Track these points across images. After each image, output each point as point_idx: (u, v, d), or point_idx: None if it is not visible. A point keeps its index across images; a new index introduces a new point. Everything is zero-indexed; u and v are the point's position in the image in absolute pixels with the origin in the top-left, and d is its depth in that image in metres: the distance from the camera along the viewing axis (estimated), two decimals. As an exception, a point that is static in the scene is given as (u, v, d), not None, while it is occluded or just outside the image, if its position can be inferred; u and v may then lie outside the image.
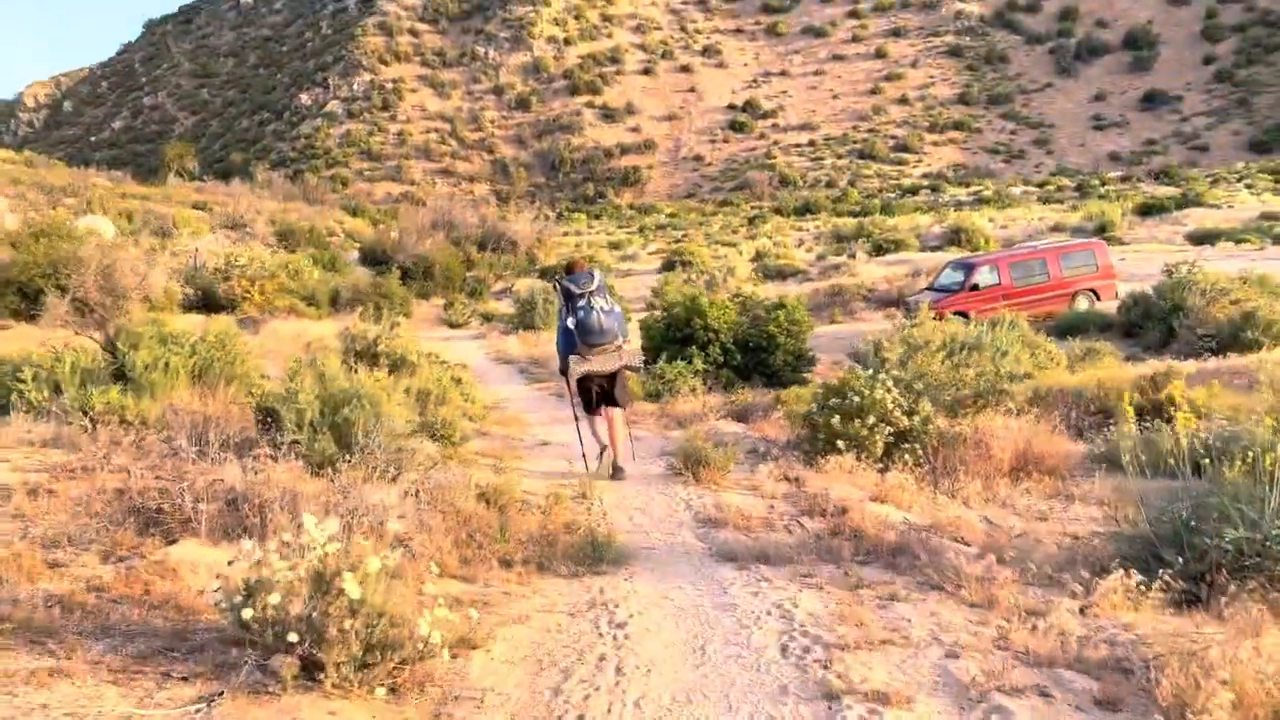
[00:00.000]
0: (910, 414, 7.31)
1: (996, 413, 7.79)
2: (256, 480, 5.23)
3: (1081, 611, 4.27)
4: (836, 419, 7.36)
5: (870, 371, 7.63)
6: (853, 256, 29.77)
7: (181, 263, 19.68)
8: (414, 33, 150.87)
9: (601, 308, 7.56)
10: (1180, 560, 4.32)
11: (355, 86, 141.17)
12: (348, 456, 5.79)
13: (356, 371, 7.19)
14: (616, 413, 7.89)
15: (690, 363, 12.40)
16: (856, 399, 7.34)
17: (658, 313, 14.54)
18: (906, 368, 8.11)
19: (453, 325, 23.94)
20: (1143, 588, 4.24)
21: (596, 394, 7.86)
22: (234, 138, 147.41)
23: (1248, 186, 56.71)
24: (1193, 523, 4.35)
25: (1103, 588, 4.33)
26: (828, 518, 6.12)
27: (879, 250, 31.32)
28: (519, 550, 5.29)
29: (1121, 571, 4.33)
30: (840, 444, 7.22)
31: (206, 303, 18.20)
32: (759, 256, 31.41)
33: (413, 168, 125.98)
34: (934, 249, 32.99)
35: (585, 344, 7.58)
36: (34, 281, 13.93)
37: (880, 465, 7.16)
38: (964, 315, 17.47)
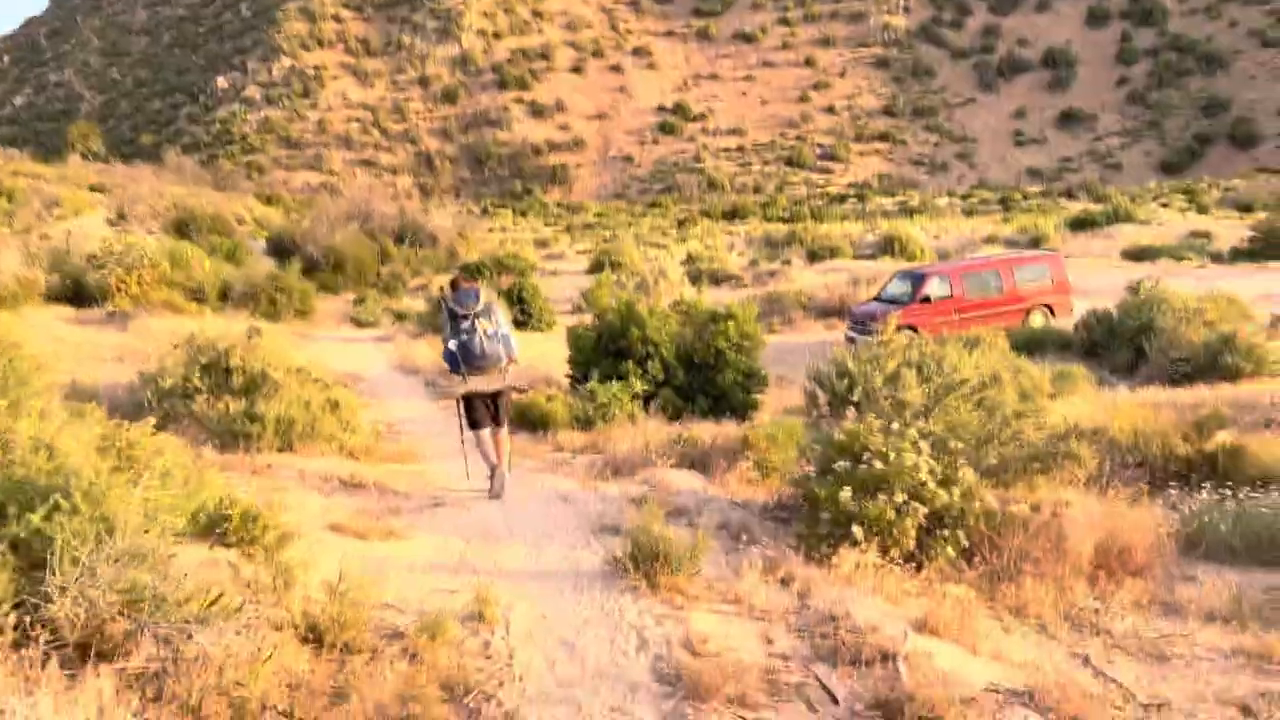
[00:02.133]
0: (947, 483, 5.39)
1: (1054, 479, 5.97)
2: None
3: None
4: (847, 492, 5.41)
5: (890, 423, 5.76)
6: (788, 263, 28.80)
7: (50, 246, 17.54)
8: (338, 19, 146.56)
9: (485, 331, 7.42)
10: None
11: (274, 72, 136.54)
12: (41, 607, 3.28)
13: (124, 427, 4.66)
14: (501, 431, 7.88)
15: (626, 382, 10.78)
16: (877, 464, 5.47)
17: (587, 319, 12.92)
18: (933, 416, 6.01)
19: (360, 324, 22.06)
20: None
21: (484, 411, 7.77)
22: (145, 119, 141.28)
23: (1163, 205, 58.03)
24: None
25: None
26: (861, 671, 4.27)
27: (814, 257, 30.44)
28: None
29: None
30: (855, 529, 5.27)
31: (77, 293, 16.14)
32: (690, 259, 30.23)
33: (333, 157, 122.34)
34: (868, 257, 32.39)
35: (469, 366, 7.49)
36: None
37: (912, 560, 5.32)
38: (912, 329, 16.48)
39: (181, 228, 33.81)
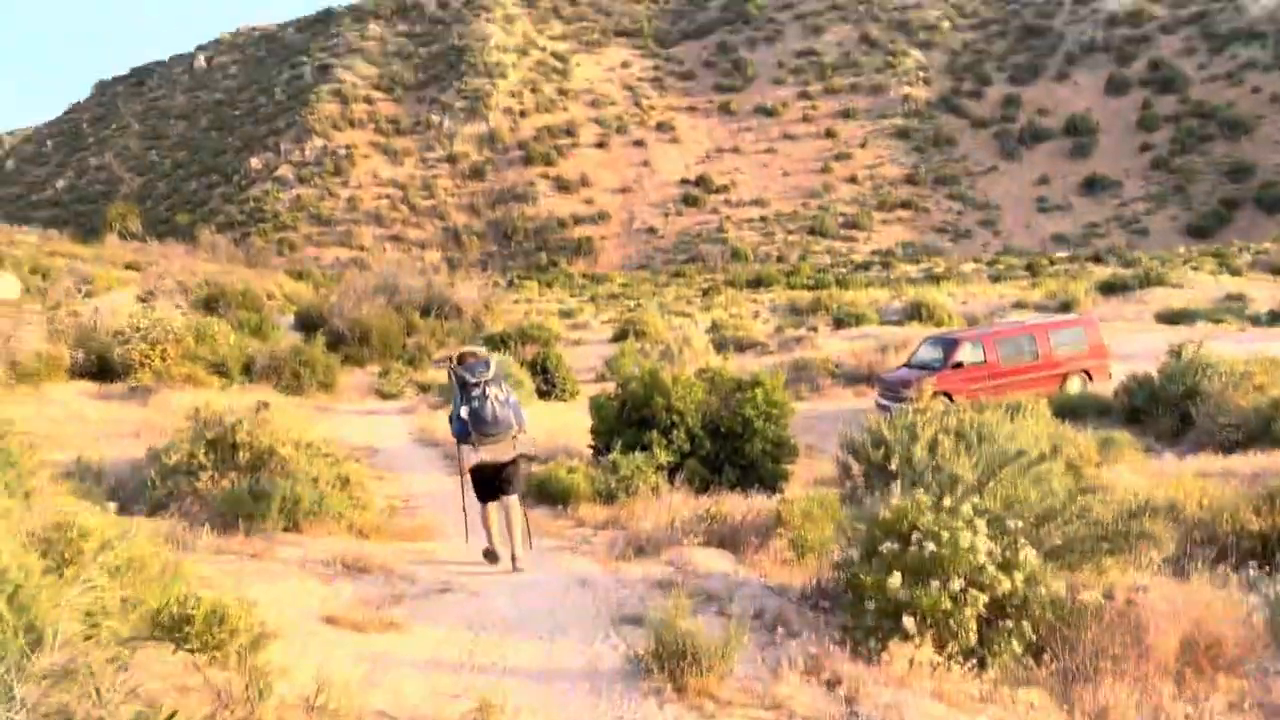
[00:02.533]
0: (1007, 567, 4.74)
1: (1124, 561, 5.25)
2: None
3: None
4: (897, 578, 4.82)
5: (942, 499, 5.15)
6: (814, 330, 28.42)
7: (78, 323, 17.51)
8: (369, 100, 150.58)
9: (497, 397, 7.30)
10: None
11: (307, 152, 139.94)
12: None
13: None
14: (513, 501, 7.59)
15: (651, 452, 10.32)
16: (929, 545, 4.89)
17: (611, 389, 12.52)
18: (987, 491, 5.42)
19: (385, 396, 21.86)
20: None
21: (491, 482, 7.59)
22: (181, 199, 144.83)
23: (1193, 269, 57.37)
24: None
25: None
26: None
27: (839, 324, 30.06)
28: None
29: None
30: (907, 621, 4.61)
31: (103, 369, 16.02)
32: (715, 327, 29.94)
33: (363, 233, 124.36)
34: (894, 323, 32.00)
35: (479, 434, 7.33)
36: None
37: (974, 657, 4.63)
38: (946, 396, 15.95)
39: (210, 304, 34.07)
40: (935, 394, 16.36)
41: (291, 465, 6.95)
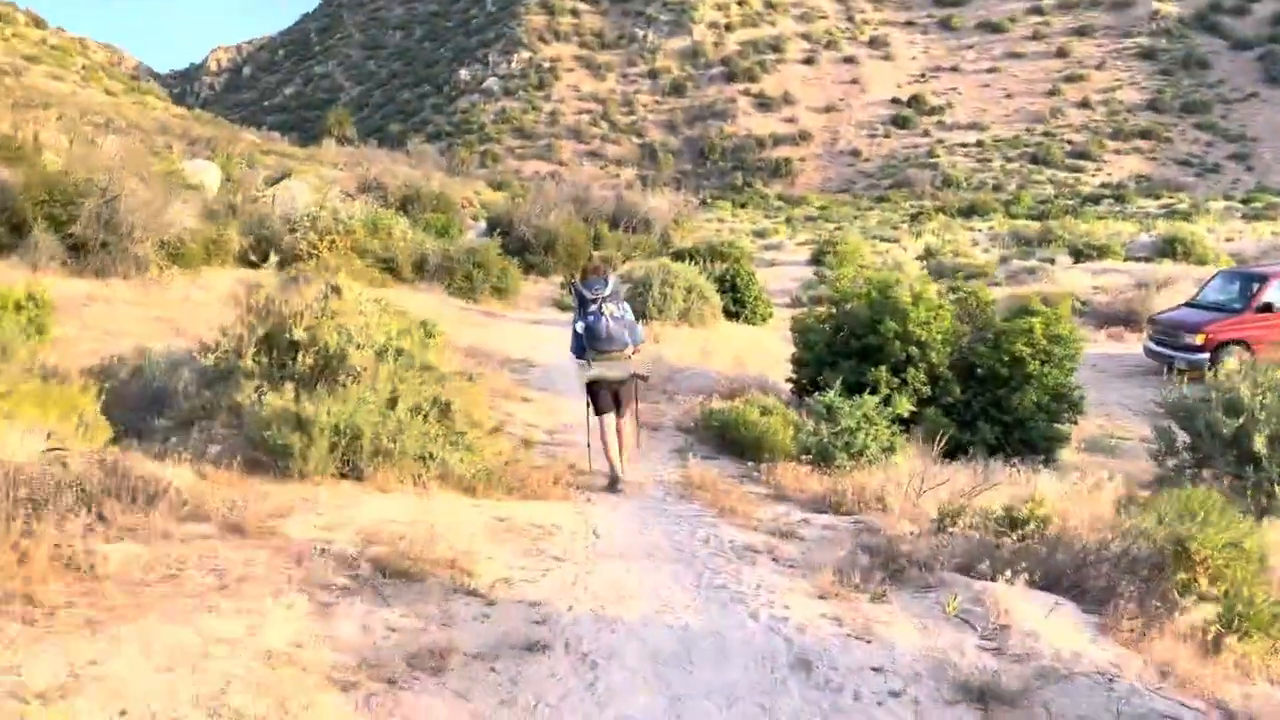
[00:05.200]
0: None
1: None
2: None
3: None
4: None
5: None
6: (1051, 261, 24.69)
7: (259, 209, 16.99)
8: (575, 12, 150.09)
9: (612, 314, 7.36)
10: None
11: (513, 64, 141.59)
12: None
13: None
14: (625, 421, 7.60)
15: (881, 397, 7.61)
16: None
17: (820, 309, 9.71)
18: None
19: (563, 308, 20.50)
20: None
21: (610, 398, 7.48)
22: (395, 109, 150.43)
23: None
24: None
25: None
26: None
27: (1078, 256, 26.13)
28: None
29: None
30: None
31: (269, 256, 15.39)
32: (929, 254, 26.72)
33: (563, 147, 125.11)
34: (1141, 259, 27.72)
35: (594, 349, 7.33)
36: (21, 209, 11.20)
37: None
38: (1244, 345, 12.72)
39: (405, 205, 33.94)
40: (1228, 343, 13.13)
41: (365, 377, 5.12)
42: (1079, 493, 5.54)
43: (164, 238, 11.88)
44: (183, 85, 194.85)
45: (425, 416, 5.04)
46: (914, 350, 8.13)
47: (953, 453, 7.52)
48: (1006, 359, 8.06)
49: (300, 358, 5.01)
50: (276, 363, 5.03)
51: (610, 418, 7.38)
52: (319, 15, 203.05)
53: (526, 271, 26.07)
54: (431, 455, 5.12)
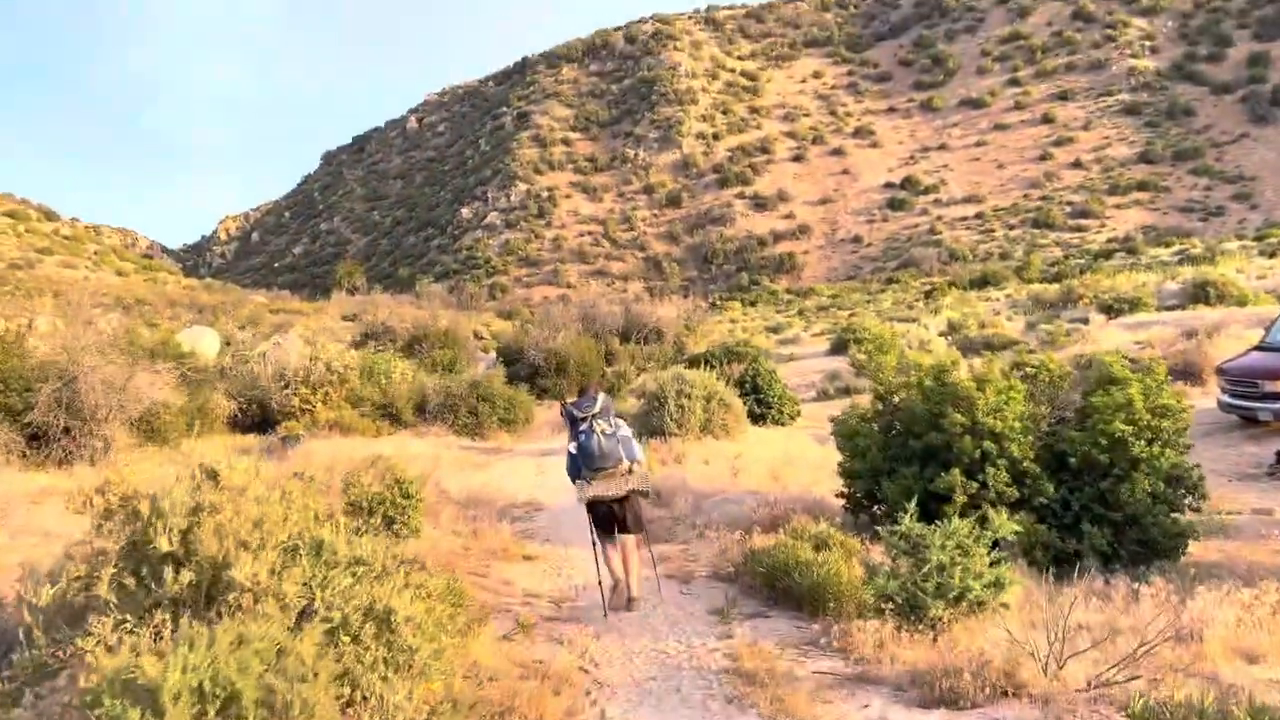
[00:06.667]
0: None
1: None
2: None
3: None
4: None
5: None
6: (1085, 321, 23.55)
7: (249, 370, 16.15)
8: (566, 142, 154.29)
9: (603, 430, 7.30)
10: None
11: (512, 197, 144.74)
12: None
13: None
14: (629, 540, 7.39)
15: (979, 518, 5.70)
16: None
17: (864, 403, 8.23)
18: None
19: (578, 430, 19.48)
20: None
21: (610, 517, 7.28)
22: (402, 254, 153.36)
23: None
24: None
25: None
26: None
27: (1110, 312, 25.02)
28: None
29: None
30: None
31: (264, 419, 14.40)
32: (953, 328, 25.67)
33: (568, 271, 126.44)
34: (1173, 308, 26.57)
35: (588, 468, 7.23)
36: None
37: None
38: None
39: (412, 346, 33.43)
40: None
41: (263, 593, 3.60)
42: (1255, 617, 4.12)
43: (132, 416, 10.96)
44: (195, 257, 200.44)
45: (354, 637, 3.64)
46: (989, 445, 6.58)
47: (1056, 564, 6.10)
48: (1104, 442, 6.54)
49: (171, 575, 3.64)
50: (143, 586, 3.67)
51: (616, 539, 7.20)
52: (320, 175, 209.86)
53: (539, 397, 25.23)
54: (363, 697, 3.64)
